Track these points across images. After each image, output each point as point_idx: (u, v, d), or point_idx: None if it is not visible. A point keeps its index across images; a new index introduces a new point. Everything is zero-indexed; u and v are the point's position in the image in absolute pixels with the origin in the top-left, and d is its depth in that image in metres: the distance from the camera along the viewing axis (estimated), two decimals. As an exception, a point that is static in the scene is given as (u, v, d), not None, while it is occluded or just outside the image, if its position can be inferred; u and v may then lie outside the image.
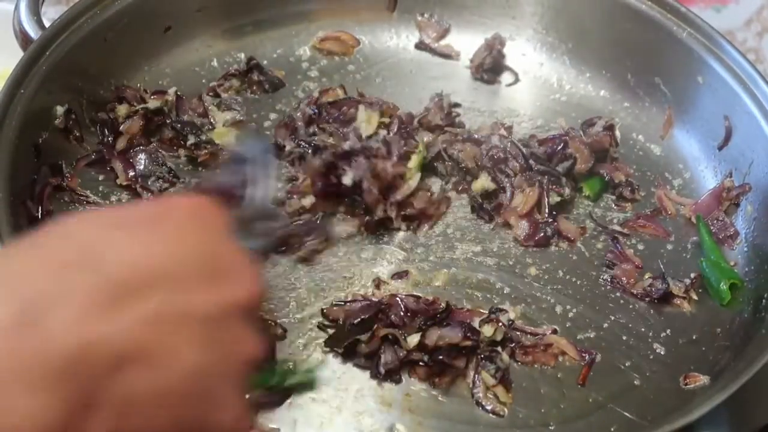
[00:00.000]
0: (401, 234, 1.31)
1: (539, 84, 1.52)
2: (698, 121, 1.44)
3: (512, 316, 1.22)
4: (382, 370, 1.16)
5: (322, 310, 1.21)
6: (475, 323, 1.19)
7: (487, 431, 1.14)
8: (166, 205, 0.66)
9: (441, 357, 1.16)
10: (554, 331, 1.22)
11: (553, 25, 1.52)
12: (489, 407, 1.16)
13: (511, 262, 1.30)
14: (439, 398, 1.16)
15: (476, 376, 1.17)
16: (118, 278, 0.55)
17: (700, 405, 1.06)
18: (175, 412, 0.58)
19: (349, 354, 1.17)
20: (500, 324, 1.19)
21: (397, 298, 1.21)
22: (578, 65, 1.52)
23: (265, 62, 1.48)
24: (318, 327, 1.20)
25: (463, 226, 1.33)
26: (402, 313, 1.19)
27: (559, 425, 1.15)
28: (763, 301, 1.23)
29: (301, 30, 1.51)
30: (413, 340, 1.16)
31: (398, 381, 1.17)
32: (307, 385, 1.12)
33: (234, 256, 0.64)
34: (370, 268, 1.27)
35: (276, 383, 1.09)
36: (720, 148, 1.41)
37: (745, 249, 1.33)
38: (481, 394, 1.16)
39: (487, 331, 1.18)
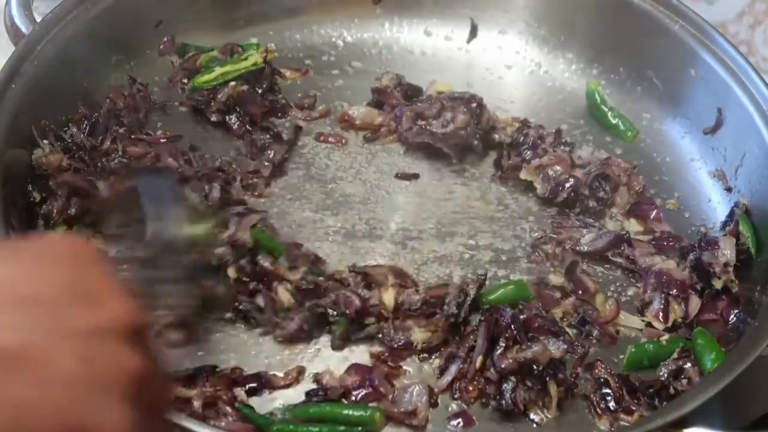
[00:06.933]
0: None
1: (531, 76, 1.53)
2: (691, 114, 1.44)
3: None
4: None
5: None
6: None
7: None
8: (46, 241, 0.77)
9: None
10: None
11: (545, 17, 1.52)
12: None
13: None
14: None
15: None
16: None
17: (693, 398, 1.06)
18: (55, 416, 0.65)
19: None
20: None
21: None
22: (570, 58, 1.52)
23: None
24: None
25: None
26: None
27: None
28: (756, 293, 1.24)
29: (294, 24, 1.51)
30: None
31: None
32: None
33: (107, 286, 0.71)
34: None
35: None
36: (706, 133, 1.41)
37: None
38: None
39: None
